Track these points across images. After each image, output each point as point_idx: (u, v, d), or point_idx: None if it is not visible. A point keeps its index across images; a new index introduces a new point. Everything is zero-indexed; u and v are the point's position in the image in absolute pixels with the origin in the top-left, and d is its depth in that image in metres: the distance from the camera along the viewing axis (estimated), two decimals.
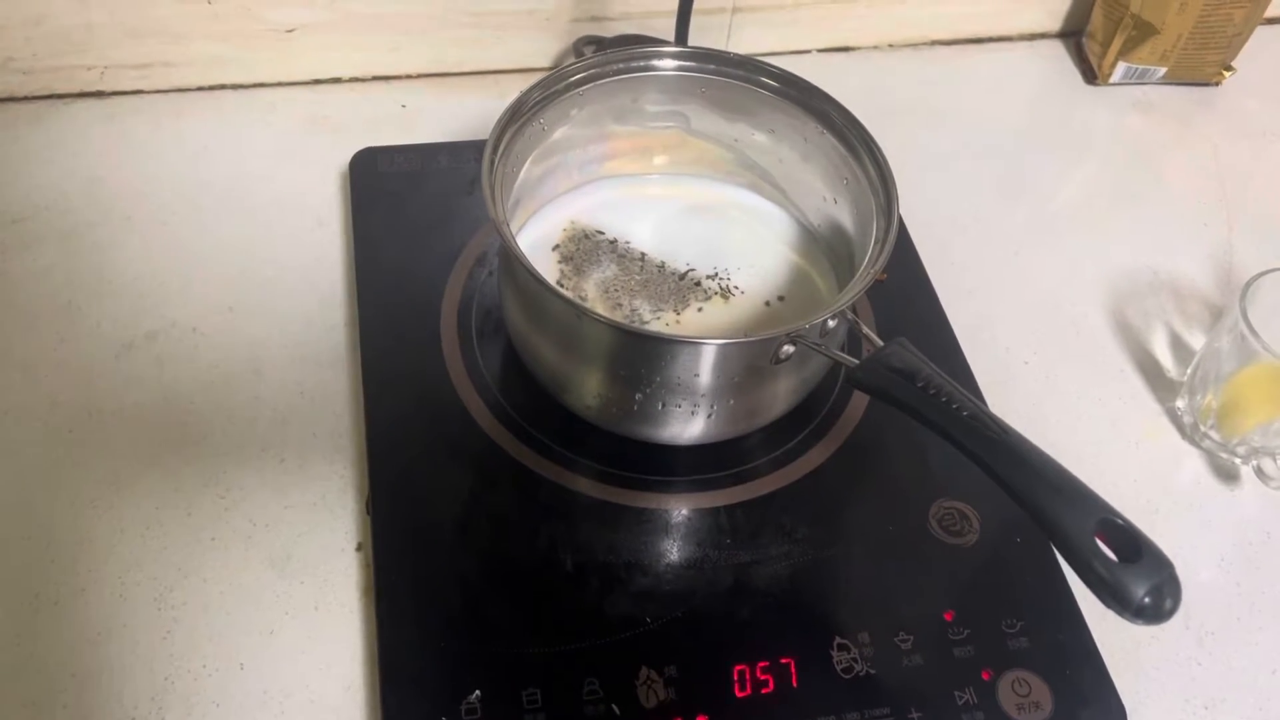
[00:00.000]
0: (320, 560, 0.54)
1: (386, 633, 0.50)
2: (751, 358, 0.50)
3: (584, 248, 0.60)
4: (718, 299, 0.60)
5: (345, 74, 0.77)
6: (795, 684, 0.50)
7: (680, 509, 0.56)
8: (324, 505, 0.56)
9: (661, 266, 0.60)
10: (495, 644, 0.50)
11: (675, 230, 0.63)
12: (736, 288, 0.60)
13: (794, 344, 0.49)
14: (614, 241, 0.61)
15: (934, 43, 0.86)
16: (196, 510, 0.55)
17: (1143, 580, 0.40)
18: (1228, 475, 0.63)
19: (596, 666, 0.49)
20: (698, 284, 0.60)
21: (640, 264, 0.60)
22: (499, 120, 0.53)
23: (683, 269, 0.60)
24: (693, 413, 0.52)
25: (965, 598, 0.53)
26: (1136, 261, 0.72)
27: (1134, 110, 0.83)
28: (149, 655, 0.51)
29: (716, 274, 0.60)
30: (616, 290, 0.58)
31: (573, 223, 0.62)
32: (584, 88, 0.57)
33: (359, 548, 0.55)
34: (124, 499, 0.55)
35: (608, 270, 0.59)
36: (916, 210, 0.70)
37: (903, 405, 0.46)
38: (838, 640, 0.51)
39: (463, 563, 0.53)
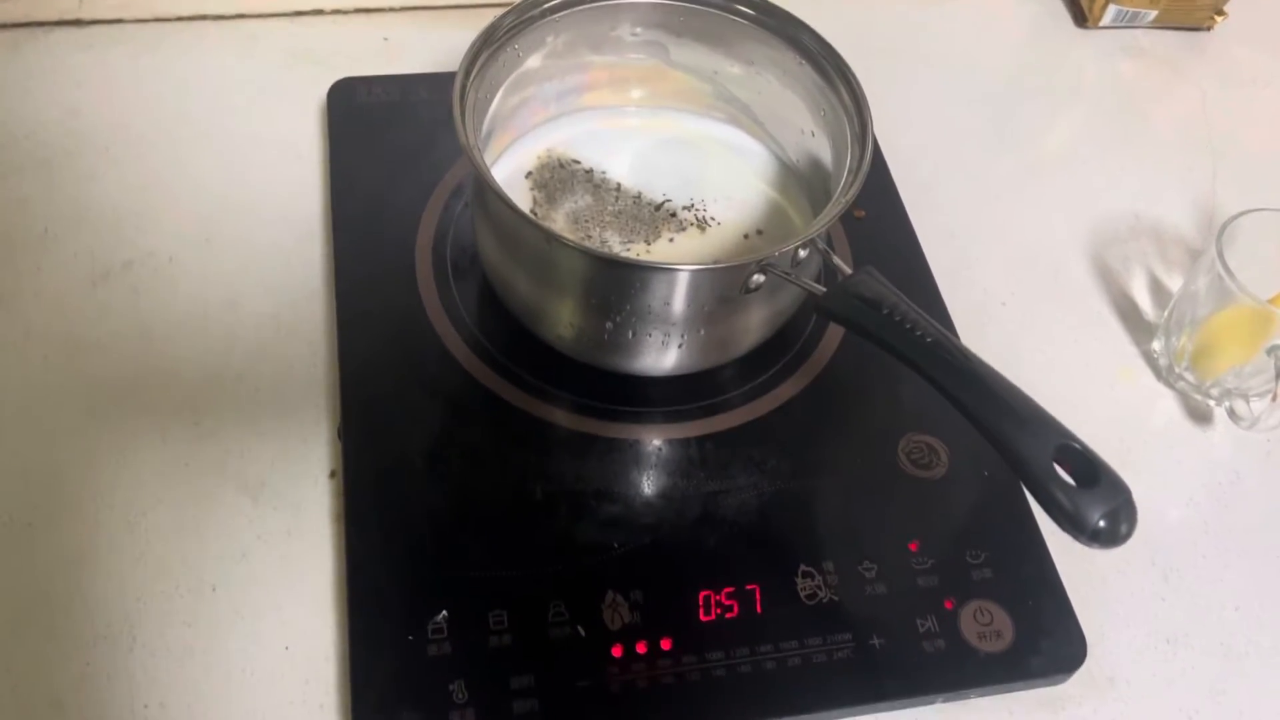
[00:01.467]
0: (294, 487, 0.55)
1: (355, 556, 0.50)
2: (722, 286, 0.50)
3: (558, 176, 0.60)
4: (693, 229, 0.59)
5: (327, 6, 0.76)
6: (760, 610, 0.50)
7: (652, 440, 0.56)
8: (298, 434, 0.56)
9: (638, 197, 0.60)
10: (463, 568, 0.50)
11: (653, 162, 0.62)
12: (713, 219, 0.60)
13: (764, 273, 0.49)
14: (589, 171, 0.61)
15: None
16: (171, 437, 0.56)
17: (1099, 504, 0.41)
18: (1201, 417, 0.63)
19: (563, 590, 0.50)
20: (673, 215, 0.59)
21: (615, 194, 0.60)
22: (472, 45, 0.53)
23: (659, 199, 0.60)
24: (664, 342, 0.52)
25: (931, 529, 0.54)
26: (1119, 206, 0.72)
27: (1123, 54, 0.82)
28: (121, 578, 0.51)
29: (693, 205, 0.60)
30: (587, 221, 0.58)
31: (548, 151, 0.61)
32: (560, 14, 0.57)
33: (332, 475, 0.55)
34: (99, 426, 0.56)
35: (581, 200, 0.59)
36: (900, 152, 0.70)
37: (868, 333, 0.46)
38: (802, 568, 0.52)
39: (433, 490, 0.53)
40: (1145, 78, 0.81)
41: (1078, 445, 0.42)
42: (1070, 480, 0.41)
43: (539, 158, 0.61)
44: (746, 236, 0.60)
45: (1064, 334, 0.66)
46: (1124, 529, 0.41)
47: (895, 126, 0.70)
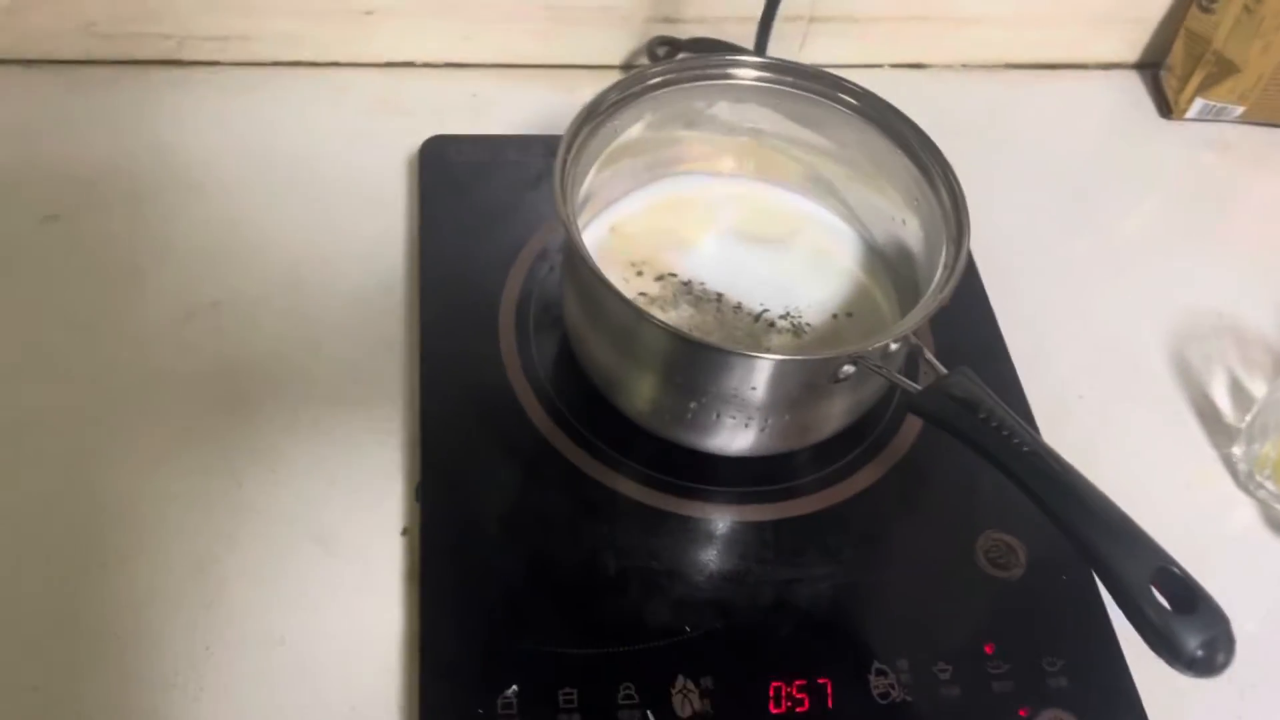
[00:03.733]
0: (365, 542, 0.55)
1: (429, 622, 0.50)
2: (811, 375, 0.50)
3: (659, 292, 0.60)
4: (789, 335, 0.59)
5: (418, 59, 0.77)
6: (830, 705, 0.49)
7: (726, 519, 0.55)
8: (371, 487, 0.57)
9: (738, 308, 0.59)
10: (535, 641, 0.50)
11: (745, 262, 0.61)
12: (808, 325, 0.59)
13: (855, 364, 0.49)
14: (688, 283, 0.59)
15: (1008, 66, 0.85)
16: (247, 482, 0.56)
17: (1197, 632, 0.40)
18: None
19: (633, 671, 0.49)
20: (771, 325, 0.59)
21: (717, 305, 0.59)
22: (575, 119, 0.53)
23: (757, 309, 0.59)
24: (746, 425, 0.52)
25: (1007, 632, 0.53)
26: (1201, 302, 0.71)
27: (1208, 148, 0.82)
28: (191, 623, 0.51)
29: (788, 314, 0.60)
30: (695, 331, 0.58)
31: (645, 261, 0.60)
32: (660, 91, 0.57)
33: (404, 532, 0.55)
34: (176, 467, 0.56)
35: (684, 312, 0.59)
36: (981, 234, 0.68)
37: (962, 435, 0.46)
38: (876, 665, 0.51)
39: (507, 556, 0.53)
40: (1230, 172, 0.80)
41: (1177, 570, 0.41)
42: (1166, 604, 0.41)
43: (634, 265, 0.60)
44: (835, 317, 0.59)
45: (1141, 431, 0.65)
46: (1221, 658, 0.40)
47: (978, 207, 0.68)
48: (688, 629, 0.51)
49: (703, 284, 0.60)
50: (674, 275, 0.60)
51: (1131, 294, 0.71)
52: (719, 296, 0.60)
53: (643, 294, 0.59)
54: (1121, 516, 0.42)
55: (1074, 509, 0.43)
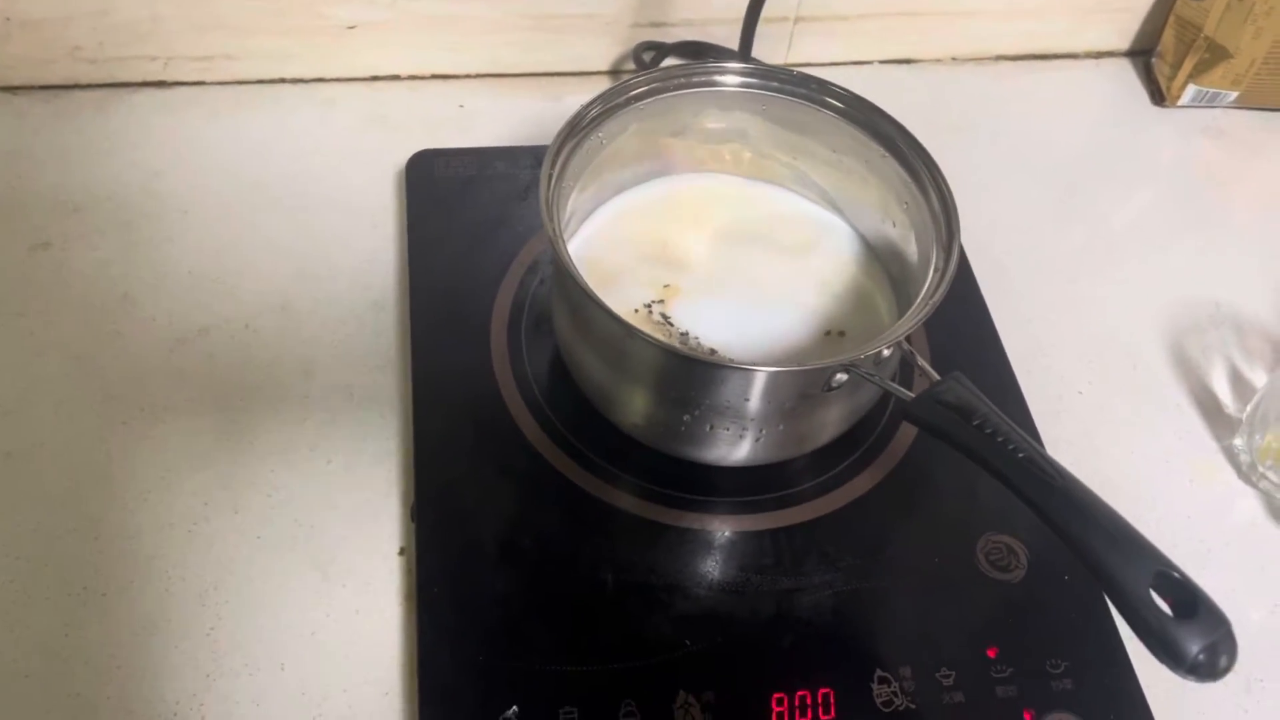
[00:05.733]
0: (363, 564, 0.55)
1: (426, 643, 0.50)
2: (803, 385, 0.50)
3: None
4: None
5: (404, 72, 0.77)
6: (834, 715, 0.49)
7: (723, 530, 0.55)
8: (369, 508, 0.56)
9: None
10: (534, 659, 0.50)
11: (741, 264, 0.61)
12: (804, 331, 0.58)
13: (847, 373, 0.49)
14: (685, 334, 0.57)
15: (999, 58, 0.84)
16: (244, 508, 0.56)
17: (1198, 637, 0.40)
18: None
19: (634, 688, 0.49)
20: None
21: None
22: (558, 134, 0.53)
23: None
24: (740, 436, 0.52)
25: (1010, 635, 0.52)
26: (1199, 293, 0.71)
27: (1202, 135, 0.81)
28: (192, 651, 0.51)
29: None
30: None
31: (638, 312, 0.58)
32: (644, 101, 0.57)
33: (401, 552, 0.55)
34: (173, 494, 0.56)
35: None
36: (974, 230, 0.68)
37: (956, 442, 0.46)
38: (879, 673, 0.51)
39: (504, 574, 0.53)
40: (1225, 159, 0.80)
41: (1176, 574, 0.41)
42: (1167, 609, 0.40)
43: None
44: (828, 334, 0.58)
45: (1142, 425, 0.64)
46: (1223, 662, 0.40)
47: (970, 203, 0.68)
48: (688, 643, 0.51)
49: (697, 338, 0.57)
50: (669, 322, 0.58)
51: (1128, 286, 0.71)
52: (712, 352, 0.57)
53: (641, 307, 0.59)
54: (1119, 521, 0.42)
55: (1070, 515, 0.42)
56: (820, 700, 0.49)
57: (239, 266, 0.66)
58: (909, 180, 0.56)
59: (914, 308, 0.50)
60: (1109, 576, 0.41)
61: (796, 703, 0.49)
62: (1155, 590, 0.41)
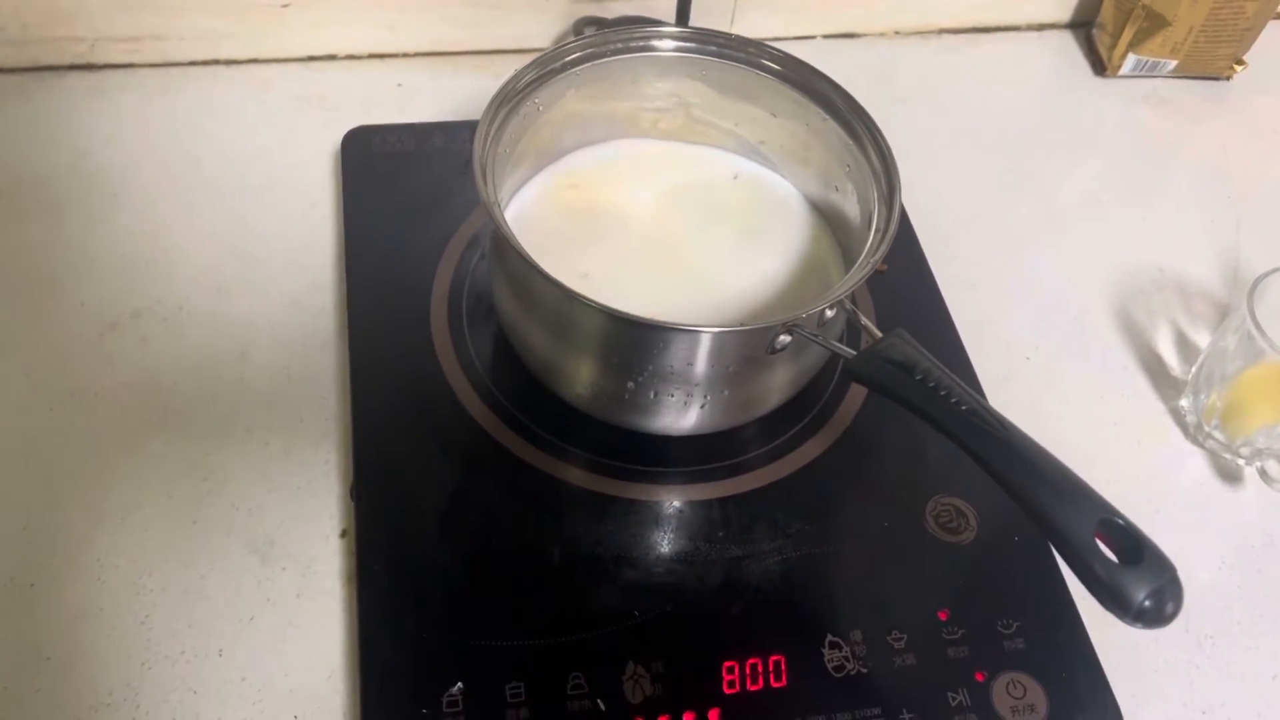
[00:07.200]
0: (303, 547, 0.53)
1: (368, 624, 0.49)
2: (747, 347, 0.49)
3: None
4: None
5: (341, 51, 0.75)
6: (785, 682, 0.48)
7: (672, 501, 0.54)
8: (309, 490, 0.55)
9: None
10: (479, 636, 0.49)
11: (684, 231, 0.60)
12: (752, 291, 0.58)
13: (791, 334, 0.48)
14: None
15: (941, 31, 0.85)
16: (178, 494, 0.54)
17: (1143, 583, 0.39)
18: (1231, 476, 0.61)
19: (582, 661, 0.48)
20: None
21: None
22: (492, 100, 0.52)
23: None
24: (686, 403, 0.51)
25: (960, 597, 0.52)
26: (1142, 258, 0.71)
27: (1143, 104, 0.82)
28: (126, 640, 0.50)
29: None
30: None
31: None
32: (580, 67, 0.56)
33: (343, 534, 0.54)
34: (104, 481, 0.54)
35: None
36: (920, 201, 0.69)
37: (900, 398, 0.45)
38: (829, 638, 0.50)
39: (448, 552, 0.52)
40: (1165, 127, 0.80)
41: (1120, 520, 0.40)
42: (1113, 557, 0.40)
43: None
44: (775, 300, 0.57)
45: (1089, 390, 0.64)
46: (1169, 609, 0.39)
47: (915, 174, 0.68)
48: (636, 614, 0.50)
49: None
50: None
51: (1073, 253, 0.71)
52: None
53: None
54: (1062, 470, 0.42)
55: (1014, 465, 0.42)
56: (771, 667, 0.49)
57: (172, 249, 0.64)
58: (850, 142, 0.55)
59: (857, 264, 0.50)
60: (1053, 525, 0.41)
61: (748, 670, 0.48)
62: (1100, 538, 0.40)
